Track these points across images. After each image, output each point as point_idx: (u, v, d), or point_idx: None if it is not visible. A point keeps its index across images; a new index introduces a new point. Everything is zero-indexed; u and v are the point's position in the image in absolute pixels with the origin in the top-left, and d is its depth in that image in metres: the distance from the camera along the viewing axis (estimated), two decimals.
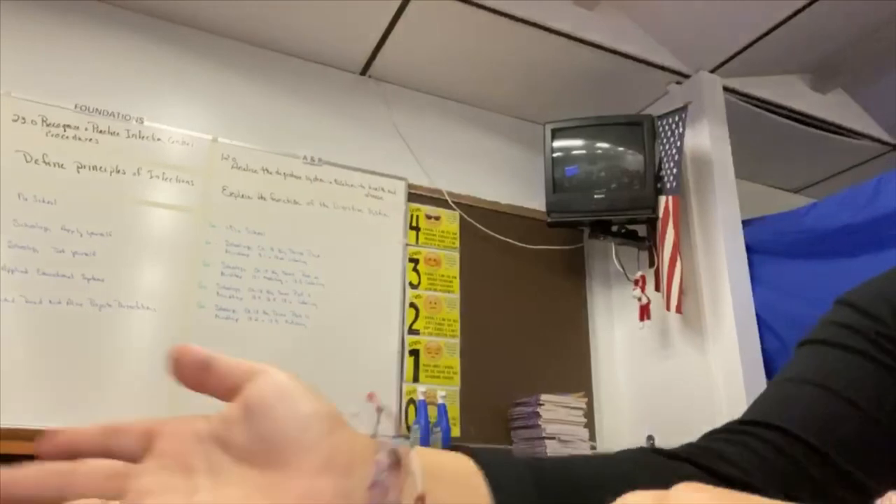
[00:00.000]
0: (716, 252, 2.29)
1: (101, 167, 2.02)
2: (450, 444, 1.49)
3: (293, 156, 2.32)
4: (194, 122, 2.21)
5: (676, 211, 2.28)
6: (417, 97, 2.66)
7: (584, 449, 2.18)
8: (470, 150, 2.69)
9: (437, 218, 2.50)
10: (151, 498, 0.27)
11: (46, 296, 1.84)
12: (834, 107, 2.76)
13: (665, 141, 2.36)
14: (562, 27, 2.29)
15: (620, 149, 2.44)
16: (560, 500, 0.38)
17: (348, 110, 2.51)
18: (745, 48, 2.38)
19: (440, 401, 2.17)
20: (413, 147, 2.55)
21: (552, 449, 2.12)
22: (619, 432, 2.50)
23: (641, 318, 2.41)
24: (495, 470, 0.33)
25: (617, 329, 2.66)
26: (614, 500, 0.25)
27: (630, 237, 2.53)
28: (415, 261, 2.40)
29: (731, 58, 2.43)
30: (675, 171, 2.30)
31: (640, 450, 0.51)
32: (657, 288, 2.32)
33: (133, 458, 0.29)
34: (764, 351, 2.16)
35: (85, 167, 2.00)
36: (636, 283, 2.44)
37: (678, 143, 2.32)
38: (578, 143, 2.49)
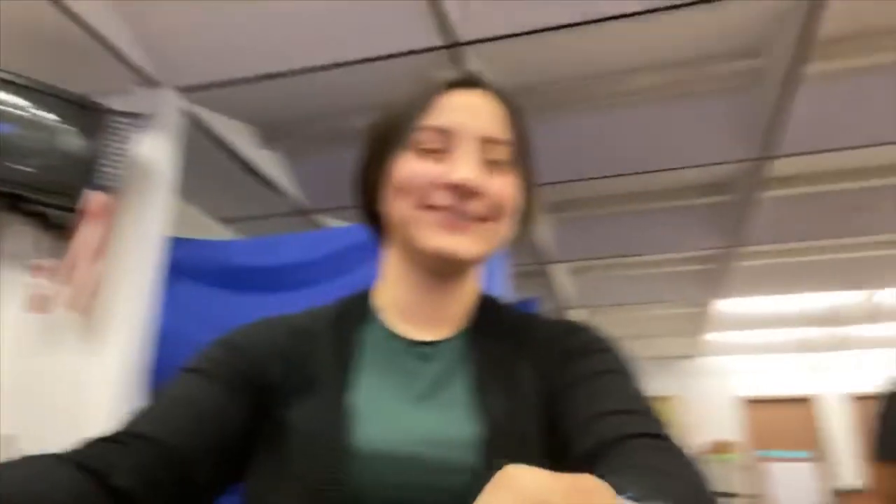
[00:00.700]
0: (135, 261, 2.30)
1: None
2: None
3: None
4: None
5: (106, 210, 2.22)
6: None
7: None
8: None
9: None
10: None
11: None
12: (274, 162, 3.19)
13: (114, 137, 2.29)
14: None
15: (66, 127, 2.25)
16: None
17: None
18: (221, 85, 2.56)
19: None
20: None
21: None
22: None
23: (36, 310, 2.20)
24: None
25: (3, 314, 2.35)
26: None
27: (48, 222, 2.31)
28: None
29: (205, 88, 2.57)
30: (115, 170, 2.26)
31: (39, 457, 0.51)
32: (63, 282, 2.18)
33: None
34: (158, 366, 2.24)
35: None
36: (41, 270, 2.24)
37: (125, 144, 2.29)
38: (21, 102, 2.18)
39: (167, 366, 2.28)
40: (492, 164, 0.70)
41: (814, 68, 2.46)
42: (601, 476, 0.36)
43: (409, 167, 0.70)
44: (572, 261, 4.69)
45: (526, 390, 0.67)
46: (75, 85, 2.36)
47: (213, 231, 3.52)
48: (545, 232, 4.03)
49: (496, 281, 1.92)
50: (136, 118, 2.31)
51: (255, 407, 0.66)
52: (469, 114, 0.70)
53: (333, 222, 3.59)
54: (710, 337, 6.77)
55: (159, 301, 2.33)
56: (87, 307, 2.13)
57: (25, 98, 2.20)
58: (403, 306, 0.75)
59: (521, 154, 0.74)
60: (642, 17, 2.20)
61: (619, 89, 2.70)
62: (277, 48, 2.39)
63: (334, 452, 0.60)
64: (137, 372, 2.18)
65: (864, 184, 3.42)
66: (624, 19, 2.22)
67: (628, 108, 2.82)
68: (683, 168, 3.31)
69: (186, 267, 2.42)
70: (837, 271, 4.67)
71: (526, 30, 2.25)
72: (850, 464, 6.99)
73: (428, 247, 0.68)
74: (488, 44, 2.32)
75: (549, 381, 0.67)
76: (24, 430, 2.17)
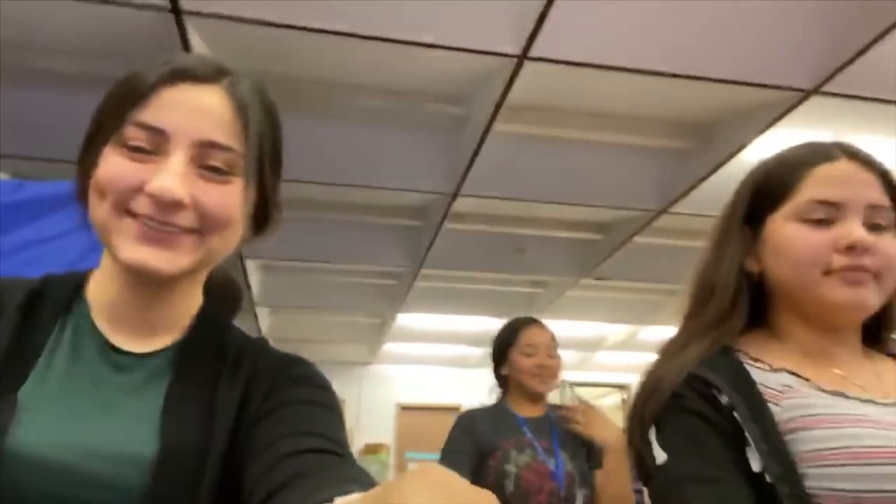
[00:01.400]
0: None
1: None
2: None
3: None
4: None
5: None
6: None
7: None
8: None
9: None
10: None
11: None
12: None
13: None
14: None
15: None
16: None
17: None
18: None
19: None
20: None
21: None
22: None
23: None
24: None
25: None
26: None
27: None
28: None
29: None
30: None
31: None
32: None
33: None
34: None
35: None
36: None
37: None
38: None
39: None
40: (212, 171, 0.63)
41: (503, 126, 2.86)
42: (319, 486, 0.38)
43: (112, 165, 0.62)
44: (262, 258, 4.63)
45: (226, 414, 0.64)
46: None
47: None
48: None
49: None
50: None
51: None
52: (189, 113, 0.63)
53: None
54: (387, 347, 7.23)
55: None
56: None
57: None
58: (111, 308, 0.68)
59: (257, 159, 0.67)
60: (373, 41, 2.33)
61: (342, 102, 2.79)
62: None
63: None
64: None
65: (528, 231, 4.07)
66: (357, 39, 2.31)
67: (349, 123, 2.93)
68: (385, 189, 3.54)
69: None
70: (495, 300, 5.41)
71: (254, 18, 2.20)
72: None
73: (123, 259, 0.62)
74: (212, 20, 2.21)
75: (257, 407, 0.65)
76: None
